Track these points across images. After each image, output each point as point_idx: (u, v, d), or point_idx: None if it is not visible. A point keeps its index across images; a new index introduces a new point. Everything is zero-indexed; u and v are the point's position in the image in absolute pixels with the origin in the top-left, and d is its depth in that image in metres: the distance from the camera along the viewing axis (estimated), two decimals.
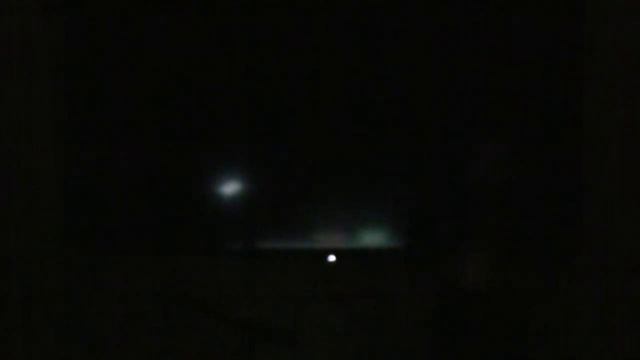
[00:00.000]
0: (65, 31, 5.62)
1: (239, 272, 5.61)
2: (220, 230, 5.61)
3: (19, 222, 5.62)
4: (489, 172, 4.65)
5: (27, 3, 5.61)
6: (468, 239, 4.63)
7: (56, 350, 5.62)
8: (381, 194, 5.58)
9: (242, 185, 5.62)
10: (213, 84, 5.60)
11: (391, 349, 5.57)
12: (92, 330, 5.62)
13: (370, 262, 5.57)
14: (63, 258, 5.62)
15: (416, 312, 5.44)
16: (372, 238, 5.59)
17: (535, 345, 4.78)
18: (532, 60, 5.56)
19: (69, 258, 5.62)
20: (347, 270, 5.60)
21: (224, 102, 5.61)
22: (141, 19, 5.60)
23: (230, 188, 5.61)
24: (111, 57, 5.61)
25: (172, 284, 5.59)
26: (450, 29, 5.57)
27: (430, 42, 5.58)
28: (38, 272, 5.62)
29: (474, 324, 4.58)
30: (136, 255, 5.62)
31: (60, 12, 5.60)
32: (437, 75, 5.57)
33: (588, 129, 5.57)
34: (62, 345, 5.62)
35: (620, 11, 5.56)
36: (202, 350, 5.58)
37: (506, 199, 4.67)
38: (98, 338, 5.61)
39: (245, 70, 5.60)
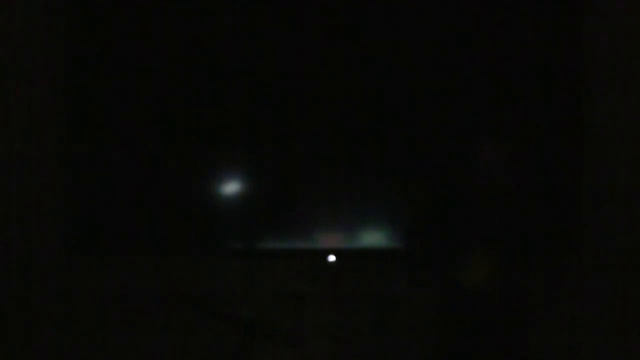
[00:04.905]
0: (65, 31, 5.62)
1: (239, 272, 5.61)
2: (220, 230, 5.61)
3: (19, 222, 5.62)
4: (489, 172, 4.65)
5: (27, 3, 5.62)
6: (468, 238, 4.63)
7: (56, 350, 5.62)
8: (381, 194, 5.58)
9: (242, 185, 5.62)
10: (213, 84, 5.60)
11: (391, 349, 5.57)
12: (92, 330, 5.62)
13: (371, 262, 5.58)
14: (63, 258, 5.62)
15: (416, 312, 5.45)
16: (372, 238, 5.59)
17: (535, 345, 4.78)
18: (532, 59, 5.56)
19: (69, 258, 5.62)
20: (347, 270, 5.60)
21: (225, 102, 5.61)
22: (141, 18, 5.60)
23: (230, 188, 5.61)
24: (111, 57, 5.61)
25: (172, 284, 5.59)
26: (451, 28, 5.57)
27: (431, 42, 5.58)
28: (38, 272, 5.62)
29: (474, 324, 4.58)
30: (136, 255, 5.62)
31: (60, 13, 5.61)
32: (438, 74, 5.57)
33: (588, 128, 5.57)
34: (62, 345, 5.62)
35: (621, 10, 5.56)
36: (202, 350, 5.58)
37: (506, 199, 4.67)
38: (98, 338, 5.61)
39: (245, 70, 5.60)
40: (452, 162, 5.09)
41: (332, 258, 5.57)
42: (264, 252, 5.60)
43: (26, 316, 5.63)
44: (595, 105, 5.58)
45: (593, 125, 5.58)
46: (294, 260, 5.60)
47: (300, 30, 5.62)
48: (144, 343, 5.62)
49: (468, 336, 4.58)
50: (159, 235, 5.61)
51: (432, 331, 4.71)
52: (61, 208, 5.62)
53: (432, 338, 4.70)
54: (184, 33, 5.60)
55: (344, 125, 5.61)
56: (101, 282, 5.62)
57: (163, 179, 5.60)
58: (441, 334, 4.66)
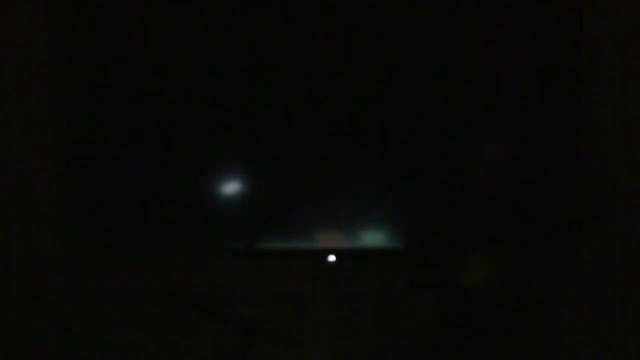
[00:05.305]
0: (65, 32, 5.61)
1: (239, 272, 5.61)
2: (220, 230, 5.61)
3: (19, 222, 5.62)
4: (489, 172, 4.65)
5: (27, 3, 5.61)
6: (468, 238, 4.63)
7: (56, 350, 5.62)
8: (381, 194, 5.58)
9: (242, 185, 5.62)
10: (213, 84, 5.60)
11: (391, 349, 5.57)
12: (92, 330, 5.62)
13: (371, 262, 5.58)
14: (63, 258, 5.62)
15: (416, 312, 5.45)
16: (373, 238, 5.59)
17: (535, 345, 4.78)
18: (532, 59, 5.56)
19: (69, 258, 5.62)
20: (347, 270, 5.60)
21: (224, 102, 5.61)
22: (140, 18, 5.60)
23: (230, 188, 5.61)
24: (111, 57, 5.61)
25: (172, 284, 5.59)
26: (451, 28, 5.57)
27: (430, 42, 5.58)
28: (38, 272, 5.62)
29: (475, 324, 4.58)
30: (136, 255, 5.62)
31: (60, 13, 5.60)
32: (437, 74, 5.57)
33: (588, 128, 5.57)
34: (62, 345, 5.62)
35: (621, 10, 5.56)
36: (202, 350, 5.58)
37: (506, 199, 4.67)
38: (98, 338, 5.61)
39: (245, 70, 5.60)
40: (452, 162, 5.09)
41: (332, 258, 5.57)
42: (264, 252, 5.60)
43: (26, 316, 5.63)
44: (595, 105, 5.58)
45: (593, 125, 5.57)
46: (294, 260, 5.60)
47: (301, 29, 5.61)
48: (144, 343, 5.62)
49: (468, 336, 4.58)
50: (159, 235, 5.60)
51: (432, 331, 4.71)
52: (61, 208, 5.62)
53: (432, 338, 4.70)
54: (184, 32, 5.60)
55: (344, 125, 5.61)
56: (101, 282, 5.62)
57: (163, 179, 5.60)
58: (441, 333, 4.66)
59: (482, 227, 4.63)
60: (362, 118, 5.60)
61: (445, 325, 4.65)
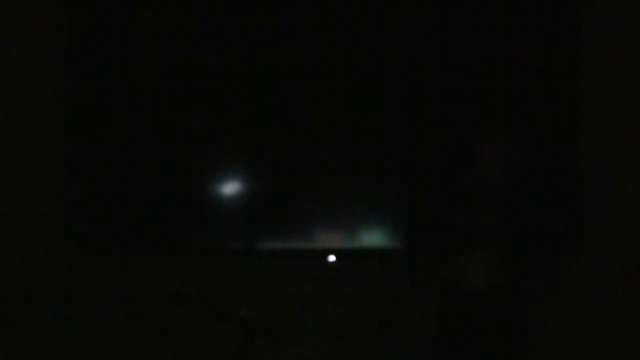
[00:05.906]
0: (65, 31, 5.62)
1: (239, 271, 5.61)
2: (220, 230, 5.61)
3: (19, 222, 5.62)
4: (489, 172, 4.65)
5: (27, 3, 5.62)
6: (468, 238, 4.63)
7: (56, 350, 5.62)
8: (381, 194, 5.58)
9: (243, 185, 5.62)
10: (214, 83, 5.61)
11: (391, 349, 5.57)
12: (92, 330, 5.62)
13: (371, 262, 5.58)
14: (63, 258, 5.62)
15: (416, 312, 5.45)
16: (372, 238, 5.59)
17: (535, 345, 4.78)
18: (532, 59, 5.56)
19: (69, 258, 5.62)
20: (347, 270, 5.60)
21: (225, 102, 5.61)
22: (141, 18, 5.60)
23: (230, 188, 5.62)
24: (111, 56, 5.61)
25: (172, 284, 5.59)
26: (451, 28, 5.57)
27: (430, 41, 5.58)
28: (38, 272, 5.62)
29: (474, 324, 4.58)
30: (136, 255, 5.62)
31: (60, 13, 5.61)
32: (437, 74, 5.57)
33: (588, 128, 5.57)
34: (62, 345, 5.62)
35: (621, 10, 5.56)
36: (202, 350, 5.58)
37: (506, 199, 4.67)
38: (98, 338, 5.61)
39: (245, 70, 5.60)
40: (452, 162, 5.09)
41: (332, 258, 5.57)
42: (264, 252, 5.60)
43: (26, 316, 5.63)
44: (595, 105, 5.58)
45: (593, 125, 5.58)
46: (294, 260, 5.60)
47: (300, 30, 5.62)
48: (144, 343, 5.62)
49: (468, 336, 4.58)
50: (159, 235, 5.61)
51: (432, 331, 4.71)
52: (61, 208, 5.62)
53: (432, 338, 4.70)
54: (184, 33, 5.60)
55: (343, 125, 5.61)
56: (101, 282, 5.62)
57: (163, 179, 5.60)
58: (441, 334, 4.66)
59: (482, 227, 4.62)
60: (362, 118, 5.60)
61: (446, 325, 4.65)
